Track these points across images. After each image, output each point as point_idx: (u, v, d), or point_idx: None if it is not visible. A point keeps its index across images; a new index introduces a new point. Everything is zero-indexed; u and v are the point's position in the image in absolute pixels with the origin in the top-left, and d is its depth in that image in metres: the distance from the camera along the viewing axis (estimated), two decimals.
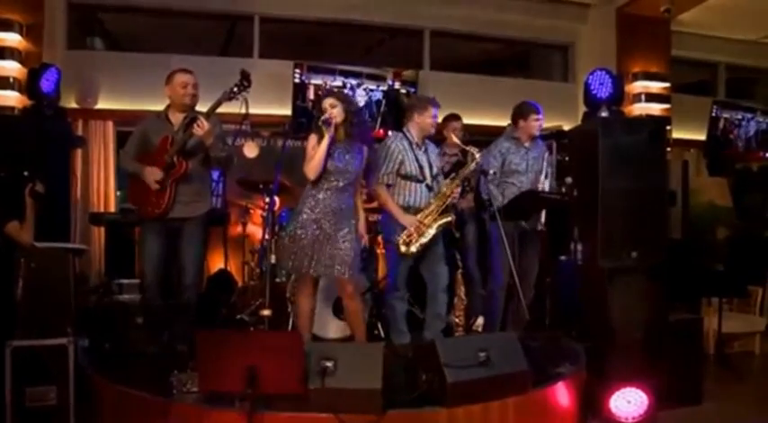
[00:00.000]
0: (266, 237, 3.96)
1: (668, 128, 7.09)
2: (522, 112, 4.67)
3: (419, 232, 4.05)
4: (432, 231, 4.07)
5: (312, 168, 3.63)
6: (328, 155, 3.64)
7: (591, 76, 5.03)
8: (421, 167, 4.19)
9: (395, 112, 6.68)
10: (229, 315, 5.11)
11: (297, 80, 6.51)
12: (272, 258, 3.80)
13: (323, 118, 3.62)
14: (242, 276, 5.77)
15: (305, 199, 3.75)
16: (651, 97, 7.23)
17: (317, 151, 3.61)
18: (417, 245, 4.05)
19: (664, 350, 4.12)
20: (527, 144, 4.68)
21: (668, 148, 6.93)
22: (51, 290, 3.73)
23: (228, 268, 5.88)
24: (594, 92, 4.97)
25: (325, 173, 3.67)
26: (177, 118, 3.92)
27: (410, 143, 4.21)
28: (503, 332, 4.12)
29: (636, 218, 4.30)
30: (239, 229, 5.89)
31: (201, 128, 3.67)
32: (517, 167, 4.59)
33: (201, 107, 3.90)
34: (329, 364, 2.93)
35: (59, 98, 5.47)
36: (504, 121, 4.95)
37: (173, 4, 6.74)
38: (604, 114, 4.82)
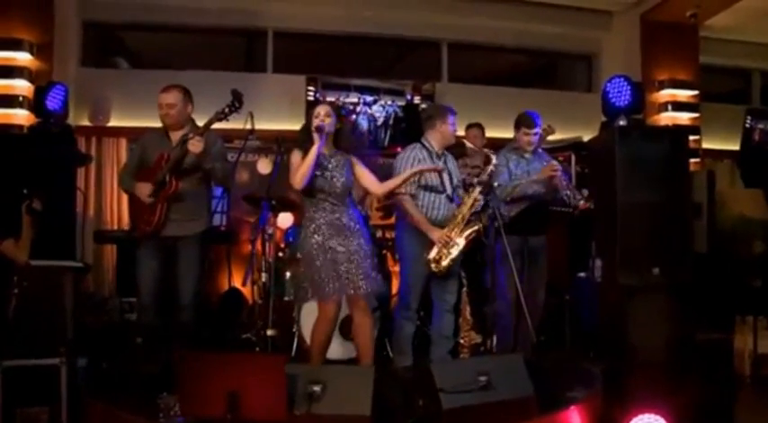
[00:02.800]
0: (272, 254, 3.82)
1: (697, 138, 6.81)
2: (516, 123, 4.52)
3: (448, 247, 3.88)
4: (461, 243, 3.89)
5: (300, 176, 3.47)
6: (318, 168, 3.51)
7: (608, 84, 4.79)
8: (441, 178, 4.04)
9: (414, 127, 6.51)
10: (237, 334, 5.00)
11: (311, 98, 6.42)
12: (263, 277, 3.67)
13: (315, 125, 3.51)
14: (252, 295, 5.65)
15: (306, 223, 3.62)
16: (678, 106, 6.96)
17: (305, 160, 3.47)
18: (448, 260, 3.88)
19: (690, 372, 3.86)
20: (527, 156, 4.50)
21: (696, 159, 6.67)
22: (45, 308, 3.69)
23: (238, 286, 5.77)
24: (612, 100, 4.74)
25: (315, 191, 3.55)
26: (176, 135, 3.85)
27: (430, 153, 4.06)
28: (508, 354, 3.89)
29: (657, 232, 4.12)
30: (249, 246, 5.77)
31: (196, 147, 3.58)
32: (520, 180, 4.38)
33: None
34: (317, 388, 2.80)
35: (66, 116, 5.45)
36: None
37: (186, 20, 6.70)
38: (622, 123, 4.57)
